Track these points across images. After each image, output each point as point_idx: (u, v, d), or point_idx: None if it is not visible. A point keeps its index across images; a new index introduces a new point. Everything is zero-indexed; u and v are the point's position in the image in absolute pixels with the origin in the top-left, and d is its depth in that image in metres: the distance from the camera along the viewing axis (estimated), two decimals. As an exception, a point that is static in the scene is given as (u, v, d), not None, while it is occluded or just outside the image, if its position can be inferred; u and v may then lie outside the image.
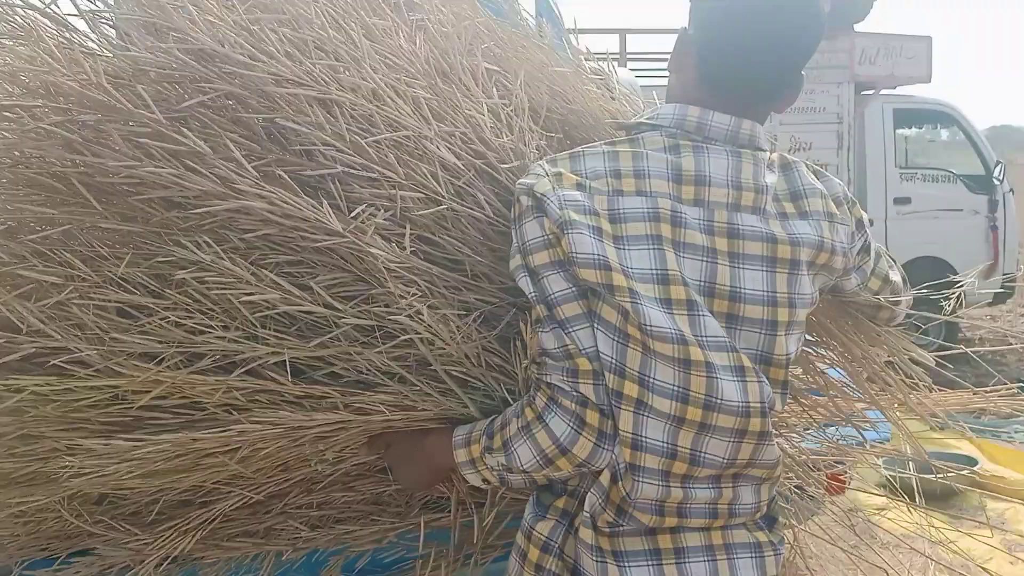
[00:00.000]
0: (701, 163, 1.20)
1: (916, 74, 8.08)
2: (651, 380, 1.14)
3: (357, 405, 1.24)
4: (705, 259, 1.17)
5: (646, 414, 1.14)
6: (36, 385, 1.22)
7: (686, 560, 1.18)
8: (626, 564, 1.16)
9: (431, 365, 1.27)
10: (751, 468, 1.19)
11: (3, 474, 1.31)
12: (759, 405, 1.16)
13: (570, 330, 1.15)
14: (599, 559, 1.17)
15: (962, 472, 4.30)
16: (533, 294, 1.17)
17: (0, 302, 1.17)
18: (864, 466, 2.06)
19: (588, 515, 1.18)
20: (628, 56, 8.45)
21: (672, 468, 1.15)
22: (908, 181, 7.69)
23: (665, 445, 1.15)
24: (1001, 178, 7.71)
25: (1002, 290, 7.47)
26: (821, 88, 7.45)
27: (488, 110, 1.38)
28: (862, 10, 7.72)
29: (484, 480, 1.25)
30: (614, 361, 1.14)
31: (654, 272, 1.14)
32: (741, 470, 1.19)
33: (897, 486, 3.05)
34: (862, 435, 2.05)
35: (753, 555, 1.21)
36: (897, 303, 1.48)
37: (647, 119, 1.26)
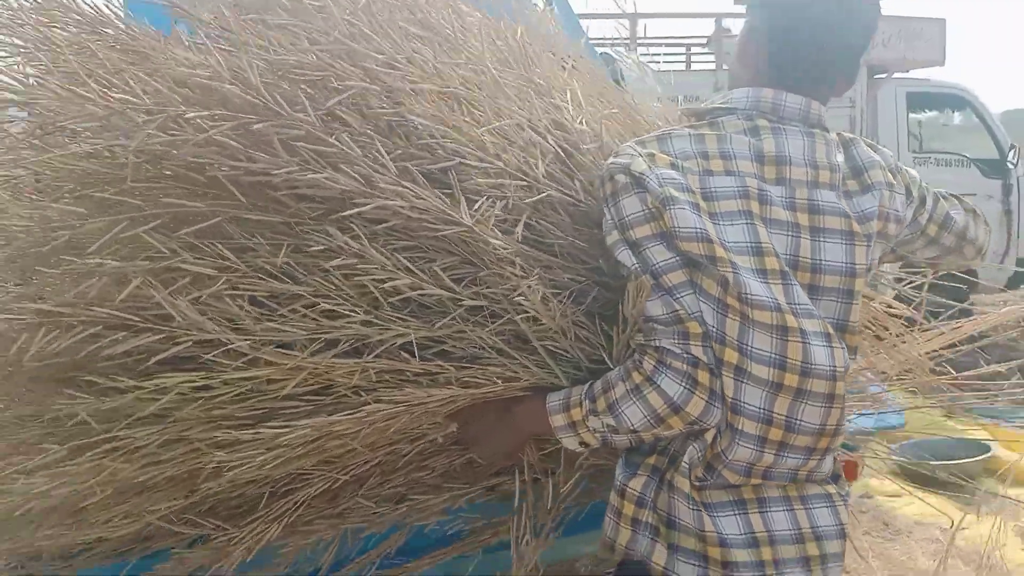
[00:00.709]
0: (781, 144, 1.29)
1: (930, 57, 8.01)
2: (750, 348, 1.21)
3: (467, 379, 1.32)
4: (790, 234, 1.26)
5: (745, 380, 1.21)
6: (181, 383, 1.25)
7: (768, 510, 1.26)
8: (715, 515, 1.24)
9: (527, 340, 1.35)
10: (836, 437, 1.27)
11: (138, 483, 1.34)
12: (843, 369, 1.23)
13: (678, 296, 1.22)
14: (694, 508, 1.24)
15: (976, 459, 4.30)
16: (636, 265, 1.24)
17: (160, 298, 1.21)
18: (878, 452, 2.05)
19: (687, 466, 1.25)
20: (638, 41, 8.41)
21: (768, 434, 1.23)
22: (921, 165, 7.63)
23: (761, 411, 1.22)
24: (1015, 162, 7.64)
25: (1019, 270, 7.41)
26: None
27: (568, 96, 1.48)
28: (875, -8, 7.62)
29: (582, 443, 1.31)
30: (716, 330, 1.22)
31: (748, 244, 1.23)
32: (830, 440, 1.26)
33: (911, 472, 3.03)
34: (877, 421, 2.05)
35: (827, 504, 1.29)
36: (971, 245, 1.57)
37: (720, 104, 1.34)
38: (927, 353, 1.91)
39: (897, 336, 1.85)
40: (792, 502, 1.27)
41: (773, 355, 1.21)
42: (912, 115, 7.96)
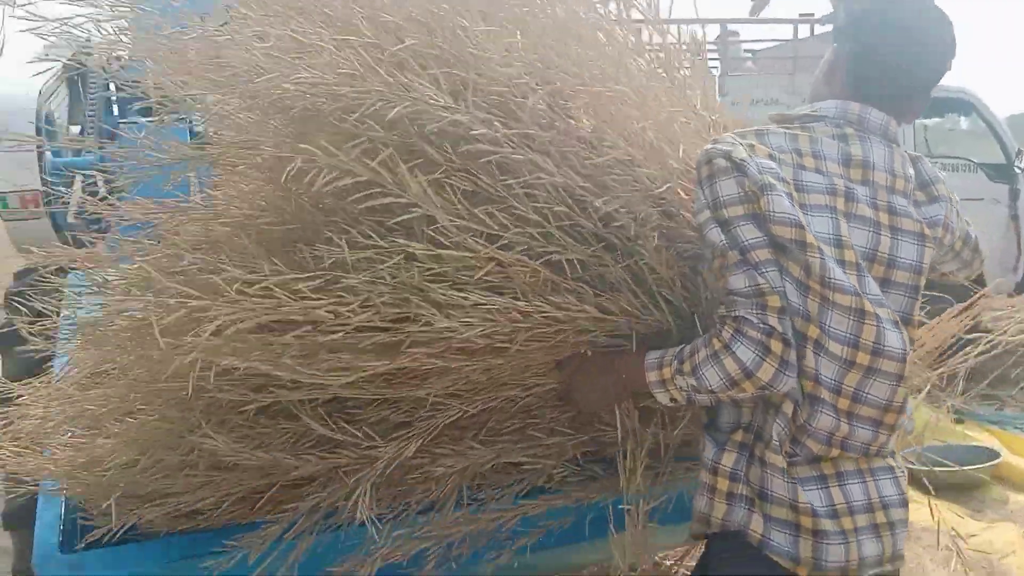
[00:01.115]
0: (867, 151, 1.46)
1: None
2: (828, 327, 1.36)
3: (602, 304, 1.54)
4: (871, 230, 1.42)
5: (821, 355, 1.36)
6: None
7: (845, 483, 1.41)
8: (804, 489, 1.38)
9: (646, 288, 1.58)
10: (902, 414, 1.41)
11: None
12: (910, 352, 1.40)
13: (763, 271, 1.34)
14: (789, 481, 1.38)
15: (984, 465, 4.27)
16: (723, 242, 1.37)
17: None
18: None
19: (777, 443, 1.39)
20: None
21: (837, 403, 1.38)
22: (928, 170, 7.59)
23: (833, 382, 1.37)
24: (1022, 166, 7.61)
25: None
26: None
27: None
28: None
29: (672, 399, 1.45)
30: (800, 307, 1.36)
31: (831, 236, 1.38)
32: (897, 416, 1.40)
33: (921, 479, 3.01)
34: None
35: (891, 476, 1.45)
36: (979, 258, 1.73)
37: (810, 112, 1.49)
38: (935, 355, 1.91)
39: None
40: (864, 475, 1.42)
41: (848, 335, 1.36)
42: (918, 120, 7.94)
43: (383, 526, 1.62)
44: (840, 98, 1.49)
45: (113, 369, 1.73)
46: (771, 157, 1.39)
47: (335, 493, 1.64)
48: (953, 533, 3.64)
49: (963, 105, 8.08)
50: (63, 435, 1.84)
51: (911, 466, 3.88)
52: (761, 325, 1.32)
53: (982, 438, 4.71)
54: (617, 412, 1.64)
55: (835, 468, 1.40)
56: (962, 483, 4.17)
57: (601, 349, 1.59)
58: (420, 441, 1.60)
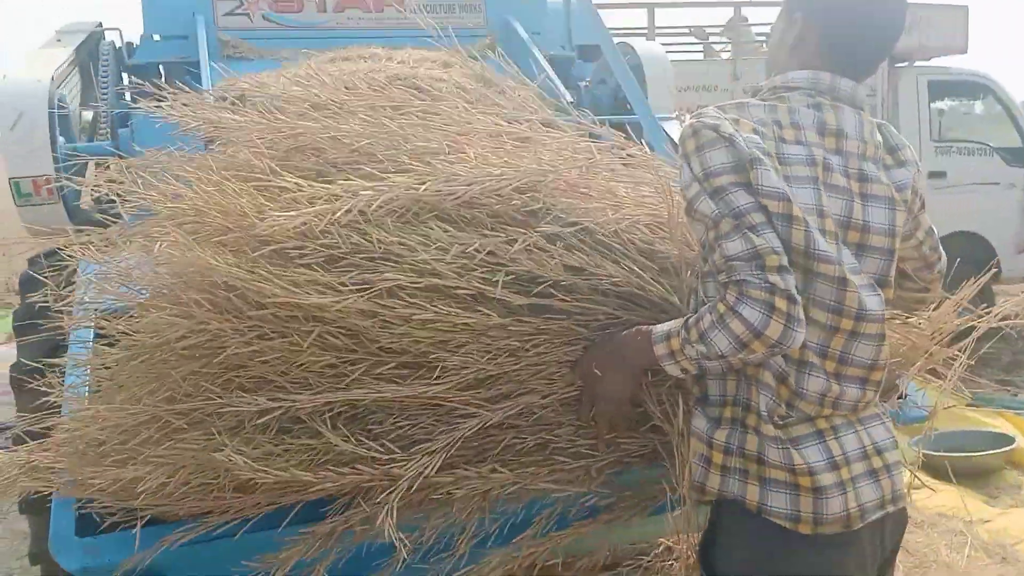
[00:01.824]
0: (840, 120, 1.49)
1: (952, 45, 7.91)
2: (813, 296, 1.41)
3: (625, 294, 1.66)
4: (845, 198, 1.45)
5: (808, 322, 1.38)
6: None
7: (840, 435, 1.46)
8: (801, 447, 1.42)
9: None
10: (884, 370, 1.47)
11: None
12: (886, 312, 1.46)
13: (760, 232, 1.36)
14: (782, 447, 1.42)
15: (999, 451, 4.25)
16: (716, 211, 1.38)
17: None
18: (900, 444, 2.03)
19: (766, 413, 1.42)
20: (656, 30, 8.35)
21: (825, 366, 1.43)
22: (943, 155, 7.53)
23: (819, 346, 1.42)
24: (1040, 150, 7.53)
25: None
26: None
27: None
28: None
29: (683, 370, 1.47)
30: None
31: (814, 206, 1.41)
32: (881, 372, 1.47)
33: (937, 465, 2.99)
34: (899, 411, 2.03)
35: (880, 422, 1.52)
36: (940, 261, 1.73)
37: (781, 83, 1.52)
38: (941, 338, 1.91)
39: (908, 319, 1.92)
40: (854, 425, 1.47)
41: (833, 303, 1.41)
42: (934, 104, 7.86)
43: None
44: (810, 67, 1.51)
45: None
46: (755, 131, 1.42)
47: (354, 516, 1.63)
48: (968, 519, 3.63)
49: (980, 89, 8.00)
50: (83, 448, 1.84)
51: (927, 452, 3.88)
52: (764, 284, 1.33)
53: (997, 424, 4.69)
54: (650, 400, 1.66)
55: (829, 423, 1.45)
56: (977, 469, 4.15)
57: (606, 332, 1.63)
58: (443, 456, 1.59)
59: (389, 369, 1.61)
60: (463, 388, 1.61)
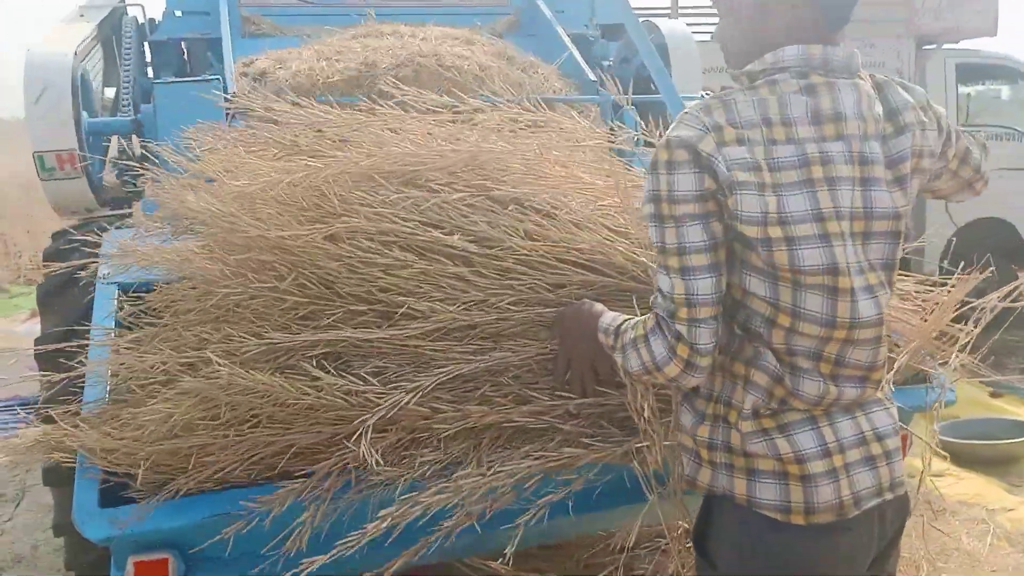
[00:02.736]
0: (837, 101, 1.35)
1: (981, 27, 7.76)
2: (802, 310, 1.33)
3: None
4: (850, 188, 1.34)
5: (795, 336, 1.35)
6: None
7: (835, 421, 1.40)
8: (792, 433, 1.37)
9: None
10: (884, 367, 1.42)
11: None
12: (885, 312, 1.38)
13: (691, 277, 1.32)
14: (767, 439, 1.38)
15: (1022, 439, 4.21)
16: (659, 242, 1.34)
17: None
18: (922, 431, 2.01)
19: (749, 411, 1.38)
20: (680, 11, 8.26)
21: (820, 368, 1.36)
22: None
23: (812, 351, 1.36)
24: (1069, 136, 7.40)
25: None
26: (880, 42, 7.20)
27: None
28: (926, -41, 7.42)
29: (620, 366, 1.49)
30: (768, 297, 1.34)
31: (810, 212, 1.31)
32: (881, 371, 1.41)
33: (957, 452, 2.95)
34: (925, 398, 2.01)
35: (882, 408, 1.45)
36: (982, 180, 1.64)
37: (771, 64, 1.37)
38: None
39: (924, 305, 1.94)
40: (854, 411, 1.41)
41: (824, 315, 1.33)
42: (962, 87, 7.73)
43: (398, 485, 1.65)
44: (791, 40, 1.36)
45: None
46: (739, 140, 1.29)
47: (344, 456, 1.67)
48: (990, 507, 3.60)
49: (1009, 72, 7.85)
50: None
51: (948, 440, 3.84)
52: (672, 328, 1.34)
53: (1020, 412, 4.64)
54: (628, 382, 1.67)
55: (825, 411, 1.40)
56: (1000, 457, 4.11)
57: (577, 301, 1.71)
58: (418, 394, 1.66)
59: (364, 318, 1.76)
60: (436, 338, 1.73)
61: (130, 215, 3.08)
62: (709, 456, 1.44)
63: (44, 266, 3.01)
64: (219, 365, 1.63)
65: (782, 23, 1.37)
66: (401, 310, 1.73)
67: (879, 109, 1.39)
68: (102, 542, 1.69)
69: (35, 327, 6.74)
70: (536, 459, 1.68)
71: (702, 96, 3.90)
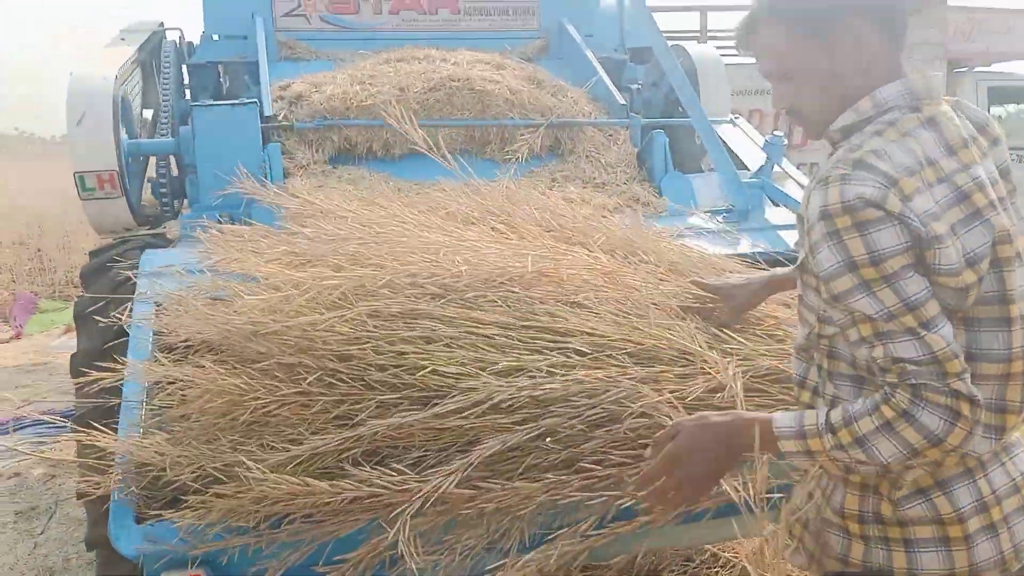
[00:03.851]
0: (957, 126, 1.26)
1: (1013, 50, 7.72)
2: (978, 350, 1.24)
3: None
4: (1004, 209, 1.26)
5: (975, 380, 1.21)
6: None
7: (988, 472, 1.29)
8: (951, 489, 1.28)
9: None
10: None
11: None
12: None
13: (937, 329, 1.18)
14: (923, 500, 1.28)
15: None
16: (882, 310, 1.18)
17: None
18: None
19: (910, 480, 1.28)
20: (708, 34, 8.28)
21: (995, 421, 1.26)
22: (1003, 163, 7.33)
23: (993, 402, 1.25)
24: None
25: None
26: (912, 65, 7.15)
27: None
28: (957, -16, 7.39)
29: (819, 465, 1.31)
30: None
31: (984, 246, 1.21)
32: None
33: None
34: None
35: (1021, 448, 1.35)
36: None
37: (873, 110, 1.26)
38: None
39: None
40: (1000, 457, 1.31)
41: (1000, 351, 1.24)
42: (993, 109, 7.68)
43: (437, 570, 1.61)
44: (891, 75, 1.26)
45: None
46: (918, 191, 1.18)
47: (381, 543, 1.62)
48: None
49: (1042, 94, 7.79)
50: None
51: None
52: (946, 390, 1.18)
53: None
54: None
55: (978, 459, 1.29)
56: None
57: (698, 418, 1.41)
58: (459, 475, 1.58)
59: (399, 408, 1.68)
60: (480, 414, 1.62)
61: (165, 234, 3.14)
62: (861, 531, 1.32)
63: (81, 282, 3.08)
64: (250, 483, 1.61)
65: (854, 65, 1.27)
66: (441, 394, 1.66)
67: (972, 128, 1.31)
68: (136, 558, 1.71)
69: (69, 342, 6.86)
70: (585, 537, 1.63)
71: (731, 120, 3.91)
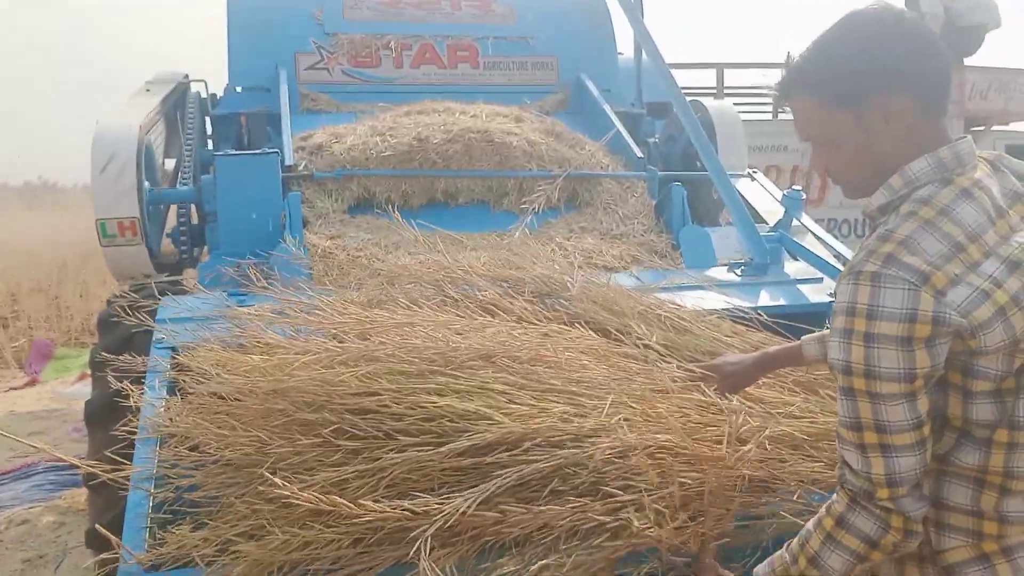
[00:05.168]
0: (992, 195, 1.23)
1: (1029, 109, 7.74)
2: (1020, 418, 1.21)
3: None
4: None
5: (1017, 446, 1.21)
6: None
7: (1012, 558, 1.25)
8: (1015, 557, 1.23)
9: None
10: None
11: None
12: None
13: (890, 455, 1.19)
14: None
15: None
16: (852, 418, 1.20)
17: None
18: None
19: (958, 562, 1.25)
20: (725, 90, 8.37)
21: None
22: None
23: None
24: None
25: None
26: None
27: None
28: (973, 44, 7.46)
29: None
30: (991, 418, 1.21)
31: None
32: None
33: None
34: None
35: None
36: None
37: (904, 187, 1.25)
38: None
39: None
40: None
41: None
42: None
43: None
44: (919, 149, 1.25)
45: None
46: (952, 281, 1.15)
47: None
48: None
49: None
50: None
51: None
52: (874, 504, 1.22)
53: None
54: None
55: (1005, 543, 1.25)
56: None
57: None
58: (479, 498, 1.57)
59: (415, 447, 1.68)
60: (504, 449, 1.64)
61: (181, 282, 3.15)
62: None
63: (99, 327, 3.08)
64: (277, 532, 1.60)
65: (887, 137, 1.25)
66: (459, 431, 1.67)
67: (1015, 181, 1.30)
68: None
69: (83, 389, 6.86)
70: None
71: (749, 175, 3.92)
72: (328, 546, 1.58)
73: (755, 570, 1.37)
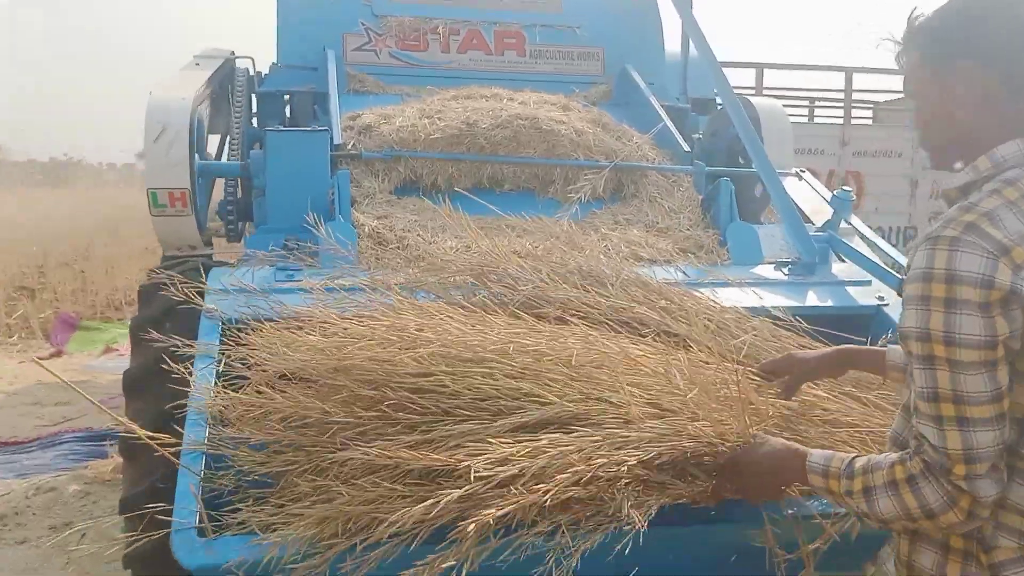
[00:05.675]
0: None
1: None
2: None
3: None
4: None
5: None
6: None
7: None
8: None
9: None
10: None
11: None
12: None
13: (969, 430, 1.17)
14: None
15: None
16: (928, 389, 1.19)
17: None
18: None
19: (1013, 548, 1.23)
20: (764, 90, 8.32)
21: None
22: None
23: None
24: None
25: None
26: None
27: None
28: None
29: (837, 503, 1.36)
30: None
31: None
32: None
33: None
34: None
35: None
36: None
37: (990, 170, 1.24)
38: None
39: None
40: None
41: None
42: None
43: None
44: (1012, 132, 1.23)
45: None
46: None
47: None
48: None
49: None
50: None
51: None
52: (948, 479, 1.19)
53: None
54: None
55: None
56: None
57: (755, 444, 1.56)
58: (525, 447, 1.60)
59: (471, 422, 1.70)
60: (552, 429, 1.66)
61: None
62: None
63: (140, 298, 3.09)
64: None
65: (965, 109, 1.26)
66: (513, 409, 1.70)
67: None
68: (197, 570, 1.67)
69: (108, 362, 6.88)
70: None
71: (796, 173, 3.88)
72: (394, 500, 1.59)
73: (810, 458, 1.38)
